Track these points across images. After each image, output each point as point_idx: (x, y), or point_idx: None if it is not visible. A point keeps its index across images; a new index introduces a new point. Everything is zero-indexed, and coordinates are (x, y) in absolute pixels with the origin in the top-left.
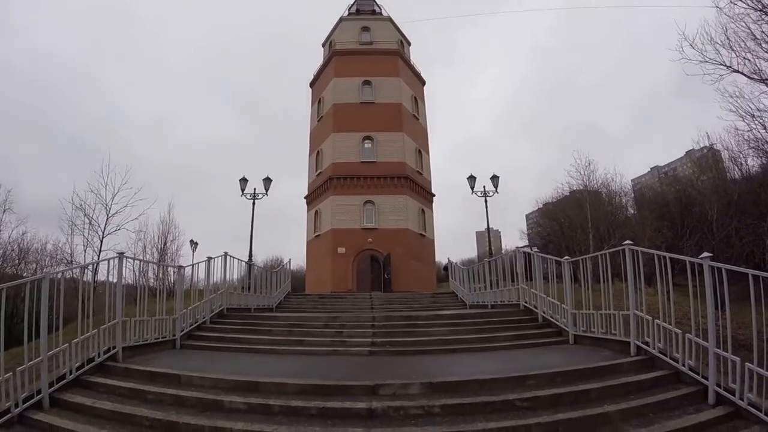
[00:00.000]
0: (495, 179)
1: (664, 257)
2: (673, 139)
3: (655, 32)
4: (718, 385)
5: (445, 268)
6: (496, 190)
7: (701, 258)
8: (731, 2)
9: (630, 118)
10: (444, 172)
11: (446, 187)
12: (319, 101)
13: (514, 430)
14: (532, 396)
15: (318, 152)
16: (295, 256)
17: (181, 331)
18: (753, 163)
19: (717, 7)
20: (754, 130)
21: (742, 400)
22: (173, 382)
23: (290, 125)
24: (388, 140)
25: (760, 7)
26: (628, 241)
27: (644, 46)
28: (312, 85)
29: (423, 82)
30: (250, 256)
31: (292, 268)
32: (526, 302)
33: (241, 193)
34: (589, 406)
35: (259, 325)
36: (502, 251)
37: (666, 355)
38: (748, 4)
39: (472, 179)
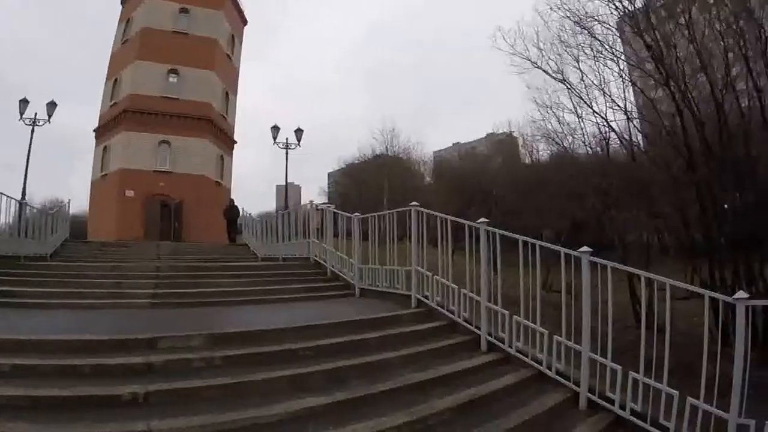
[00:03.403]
0: (299, 132)
1: (446, 220)
2: (478, 120)
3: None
4: (490, 335)
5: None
6: (299, 144)
7: (478, 223)
8: (550, 9)
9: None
10: (263, 116)
11: (261, 133)
12: (128, 21)
13: (296, 378)
14: (315, 345)
15: (116, 79)
16: (80, 197)
17: None
18: (543, 150)
19: (536, 10)
20: (547, 121)
21: (511, 347)
22: None
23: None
24: (196, 77)
25: (576, 19)
26: (414, 203)
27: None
28: (123, 1)
29: (245, 22)
30: (24, 193)
31: (75, 211)
32: (316, 256)
33: (19, 117)
34: (370, 354)
35: (31, 276)
36: (305, 206)
37: (443, 308)
38: (565, 15)
39: (275, 129)
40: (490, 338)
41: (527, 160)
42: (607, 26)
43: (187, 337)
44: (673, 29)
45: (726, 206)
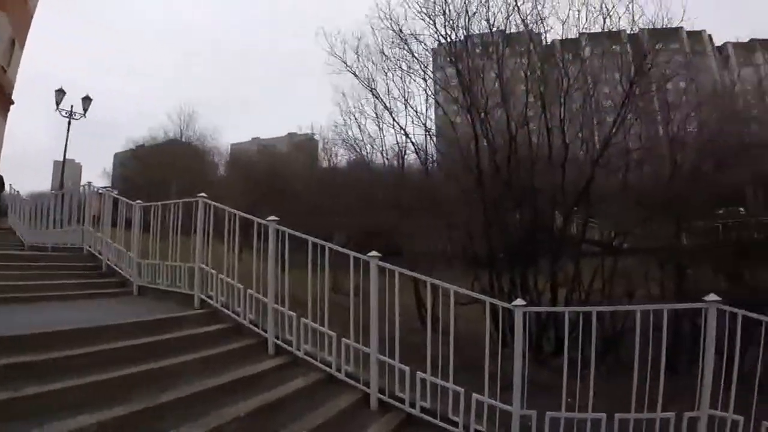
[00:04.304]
0: (87, 101)
1: (235, 215)
2: (281, 120)
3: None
4: (277, 338)
5: None
6: (84, 115)
7: (268, 220)
8: (379, 18)
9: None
10: (52, 81)
11: (45, 99)
12: None
13: (65, 392)
14: (86, 352)
15: None
16: None
17: None
18: (342, 155)
19: (366, 15)
20: (348, 127)
21: (299, 350)
22: None
23: None
24: None
25: (397, 30)
26: (202, 194)
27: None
28: None
29: None
30: None
31: None
32: (90, 247)
33: None
34: (153, 360)
35: None
36: (82, 187)
37: (229, 309)
38: (389, 27)
39: (60, 93)
40: (277, 341)
41: (326, 164)
42: (425, 47)
43: None
44: (484, 64)
45: (507, 225)
